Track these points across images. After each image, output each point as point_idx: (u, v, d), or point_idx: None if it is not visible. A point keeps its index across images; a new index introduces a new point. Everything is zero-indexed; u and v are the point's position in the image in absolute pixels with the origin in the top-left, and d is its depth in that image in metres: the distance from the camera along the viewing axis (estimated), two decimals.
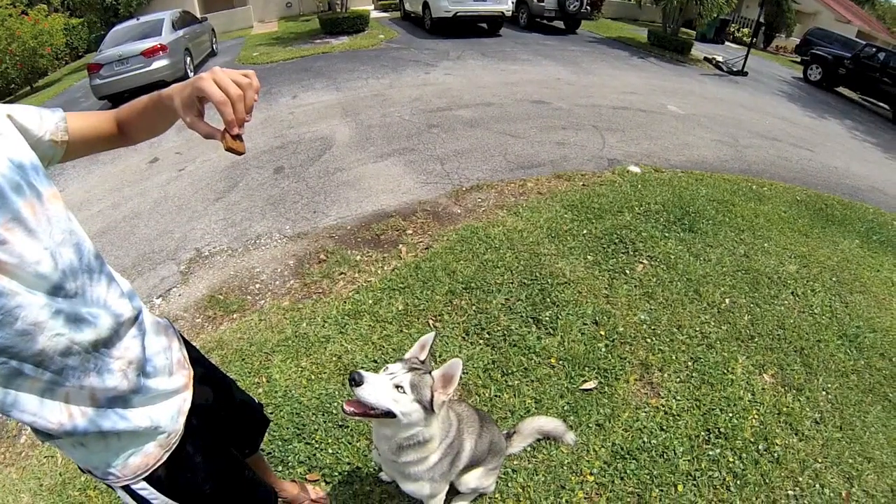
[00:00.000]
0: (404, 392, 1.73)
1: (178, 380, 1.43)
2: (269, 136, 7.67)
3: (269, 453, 2.86)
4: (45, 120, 1.17)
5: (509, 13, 15.70)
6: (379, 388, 1.69)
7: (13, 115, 1.10)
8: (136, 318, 1.29)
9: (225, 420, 1.72)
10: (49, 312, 1.03)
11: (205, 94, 1.10)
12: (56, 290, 1.05)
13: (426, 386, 1.78)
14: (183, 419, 1.42)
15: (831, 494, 2.87)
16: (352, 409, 1.70)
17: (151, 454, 1.33)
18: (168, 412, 1.37)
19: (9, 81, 14.72)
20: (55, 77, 17.12)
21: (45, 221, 1.05)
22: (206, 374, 1.63)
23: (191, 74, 11.74)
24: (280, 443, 2.91)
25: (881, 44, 19.66)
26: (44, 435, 1.17)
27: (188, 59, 12.30)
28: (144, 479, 1.33)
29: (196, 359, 1.61)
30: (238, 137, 1.14)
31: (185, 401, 1.45)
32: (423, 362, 1.89)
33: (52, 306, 1.04)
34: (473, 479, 2.46)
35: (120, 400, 1.23)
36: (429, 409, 1.77)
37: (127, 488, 1.33)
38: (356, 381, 1.65)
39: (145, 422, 1.29)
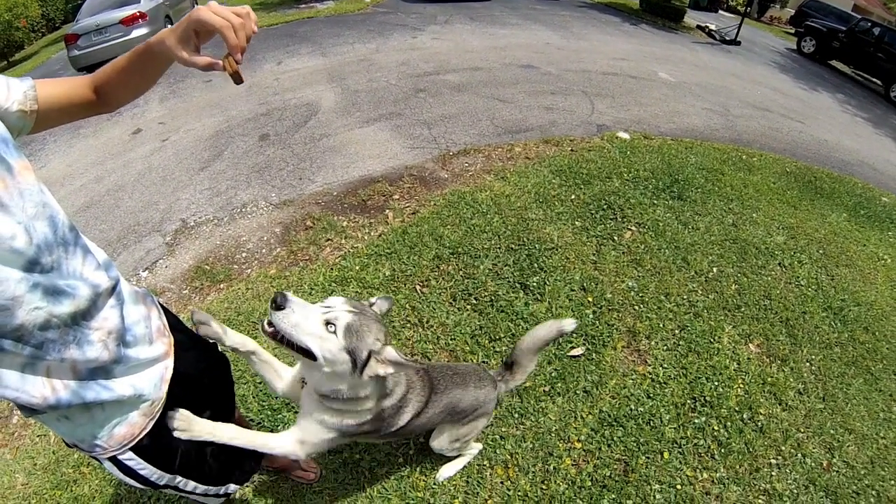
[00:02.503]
0: (334, 333, 1.45)
1: (159, 348, 1.40)
2: (253, 102, 7.46)
3: (259, 423, 2.83)
4: (13, 89, 1.12)
5: None
6: (302, 319, 1.42)
7: None
8: (113, 289, 1.25)
9: (207, 386, 1.70)
10: (26, 286, 1.01)
11: (205, 23, 1.08)
12: (32, 265, 1.03)
13: (366, 338, 1.49)
14: (165, 387, 1.42)
15: (813, 464, 2.89)
16: (270, 330, 1.43)
17: (136, 423, 1.33)
18: (150, 380, 1.36)
19: None
20: (32, 50, 16.63)
21: (17, 195, 1.02)
22: (186, 340, 1.59)
23: None
24: (269, 412, 2.88)
25: (876, 18, 19.58)
26: (28, 410, 1.15)
27: (169, 26, 11.89)
28: (130, 449, 1.34)
29: (175, 326, 1.58)
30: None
31: (166, 368, 1.44)
32: (378, 315, 1.63)
33: (30, 280, 1.01)
34: (442, 442, 2.33)
35: (101, 371, 1.21)
36: (358, 369, 1.50)
37: (114, 459, 1.34)
38: (277, 304, 1.39)
39: (128, 390, 1.28)
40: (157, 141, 6.67)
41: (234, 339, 1.71)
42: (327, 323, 1.45)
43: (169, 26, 11.03)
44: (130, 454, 1.34)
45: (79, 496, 2.61)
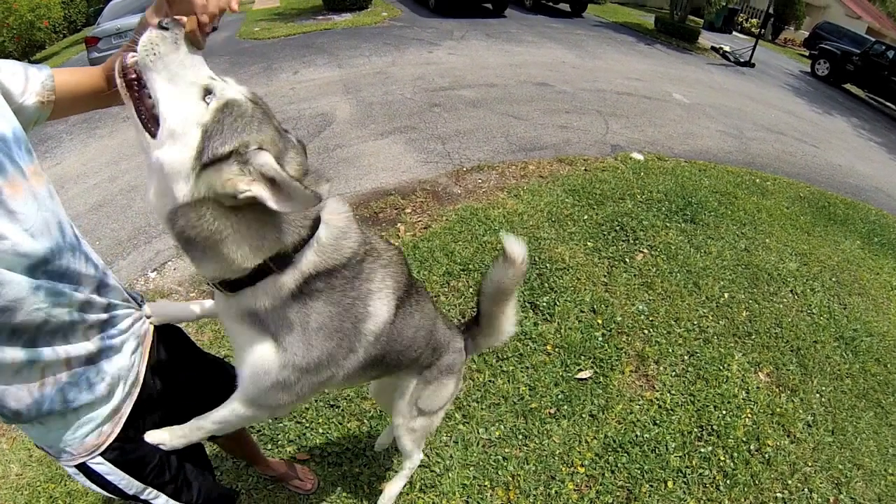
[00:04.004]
0: (207, 106, 1.02)
1: (135, 353, 1.41)
2: None
3: (259, 431, 2.82)
4: (31, 79, 1.13)
5: None
6: (176, 60, 1.01)
7: None
8: (104, 284, 1.29)
9: (188, 386, 1.65)
10: (30, 289, 1.03)
11: None
12: (37, 269, 1.04)
13: (245, 130, 1.02)
14: (136, 391, 1.41)
15: (819, 500, 2.86)
16: (130, 60, 1.04)
17: (105, 433, 1.32)
18: (126, 373, 1.36)
19: (6, 55, 14.37)
20: (53, 50, 16.82)
21: (31, 199, 1.04)
22: (166, 336, 1.60)
23: None
24: (270, 421, 2.87)
25: (890, 41, 19.48)
26: (7, 416, 1.15)
27: None
28: (100, 454, 1.33)
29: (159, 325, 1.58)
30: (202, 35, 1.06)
31: (139, 373, 1.43)
32: (294, 139, 1.18)
33: (33, 284, 1.03)
34: (403, 408, 1.91)
35: (88, 360, 1.23)
36: (202, 160, 1.00)
37: (82, 466, 1.32)
38: (161, 25, 1.02)
39: (105, 390, 1.28)
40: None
41: (195, 309, 1.61)
42: (206, 91, 1.03)
43: None
44: (100, 459, 1.33)
45: (72, 491, 2.60)
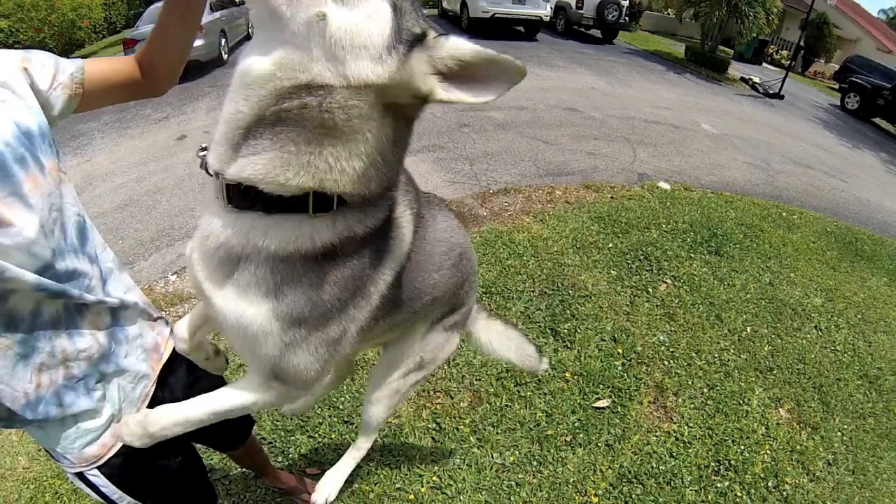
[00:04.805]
0: None
1: (145, 364, 1.40)
2: None
3: (271, 443, 2.84)
4: (61, 72, 1.12)
5: (547, 18, 15.59)
6: None
7: (30, 67, 1.07)
8: (108, 288, 1.28)
9: None
10: (34, 286, 1.02)
11: None
12: (46, 269, 1.05)
13: (423, 17, 0.83)
14: (144, 406, 1.39)
15: None
16: None
17: (106, 444, 1.31)
18: (131, 384, 1.36)
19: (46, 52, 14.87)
20: (91, 50, 17.19)
21: (48, 195, 1.04)
22: (178, 361, 1.54)
23: (225, 56, 11.73)
24: (282, 433, 2.89)
25: None
26: (4, 420, 1.13)
27: (223, 40, 12.23)
28: (97, 468, 1.32)
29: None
30: None
31: (146, 387, 1.41)
32: None
33: (40, 283, 1.03)
34: (395, 359, 1.65)
35: (87, 363, 1.21)
36: (408, 45, 0.79)
37: (80, 475, 1.32)
38: None
39: (105, 401, 1.28)
40: (200, 149, 6.86)
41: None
42: None
43: (223, 40, 11.17)
44: (96, 472, 1.32)
45: (78, 489, 2.56)
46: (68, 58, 1.16)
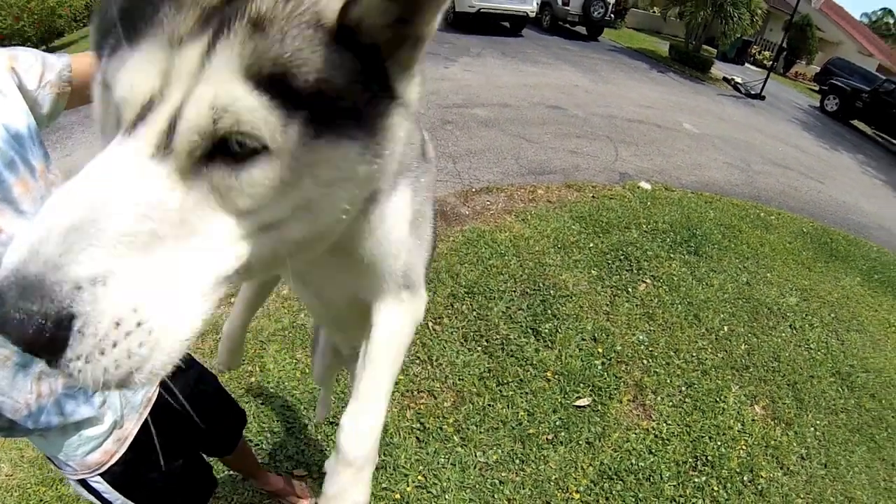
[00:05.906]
0: None
1: None
2: None
3: (257, 444, 2.84)
4: (48, 69, 1.09)
5: (533, 14, 15.59)
6: None
7: (17, 66, 1.04)
8: None
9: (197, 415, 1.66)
10: None
11: None
12: None
13: None
14: (146, 412, 1.41)
15: None
16: None
17: (109, 451, 1.32)
18: (131, 399, 1.37)
19: (25, 40, 14.45)
20: (71, 38, 16.90)
21: (39, 199, 1.01)
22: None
23: None
24: (269, 434, 2.90)
25: None
26: (5, 429, 1.13)
27: None
28: (100, 475, 1.33)
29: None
30: None
31: (146, 392, 1.42)
32: None
33: None
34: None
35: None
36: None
37: (83, 482, 1.33)
38: None
39: (104, 403, 1.28)
40: None
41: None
42: None
43: None
44: (99, 478, 1.32)
45: (63, 496, 2.56)
46: (48, 47, 1.12)
